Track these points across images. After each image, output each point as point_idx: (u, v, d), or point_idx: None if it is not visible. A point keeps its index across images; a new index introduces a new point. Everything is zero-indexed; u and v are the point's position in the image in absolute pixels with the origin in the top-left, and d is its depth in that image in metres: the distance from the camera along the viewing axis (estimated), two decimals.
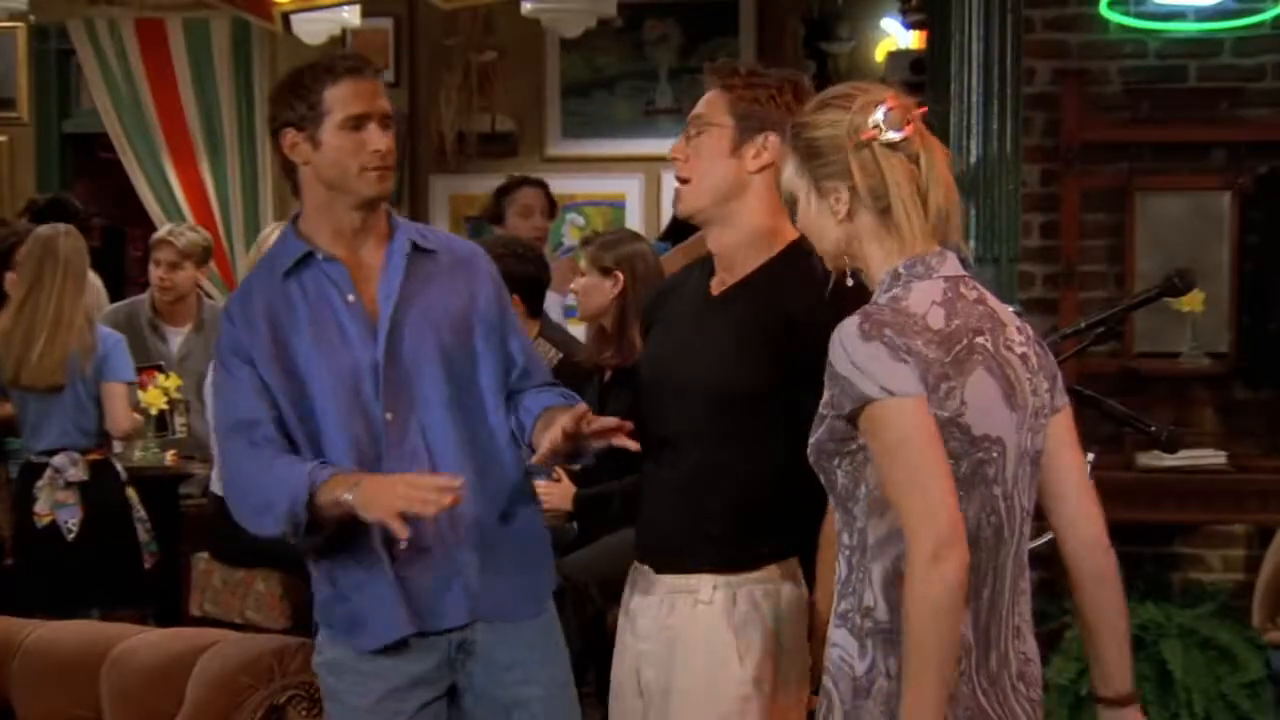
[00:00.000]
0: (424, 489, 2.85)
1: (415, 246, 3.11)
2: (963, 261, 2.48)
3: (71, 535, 5.38)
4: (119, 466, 5.57)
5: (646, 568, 3.03)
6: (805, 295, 2.76)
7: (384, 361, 3.02)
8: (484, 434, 3.11)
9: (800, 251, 2.77)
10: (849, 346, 2.33)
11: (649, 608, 3.01)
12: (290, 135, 3.05)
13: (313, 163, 3.06)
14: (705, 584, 2.92)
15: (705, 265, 3.11)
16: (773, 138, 2.92)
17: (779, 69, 3.06)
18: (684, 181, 3.01)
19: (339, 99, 3.01)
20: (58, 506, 5.40)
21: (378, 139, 3.02)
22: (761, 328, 2.89)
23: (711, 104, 2.99)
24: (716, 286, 3.04)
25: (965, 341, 2.38)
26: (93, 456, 5.46)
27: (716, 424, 2.93)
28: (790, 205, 2.55)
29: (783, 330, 2.87)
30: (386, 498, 2.85)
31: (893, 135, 2.39)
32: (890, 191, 2.40)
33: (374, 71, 3.09)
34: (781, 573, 2.94)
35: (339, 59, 3.08)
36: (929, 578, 2.25)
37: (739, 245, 2.98)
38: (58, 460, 5.40)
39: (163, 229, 6.53)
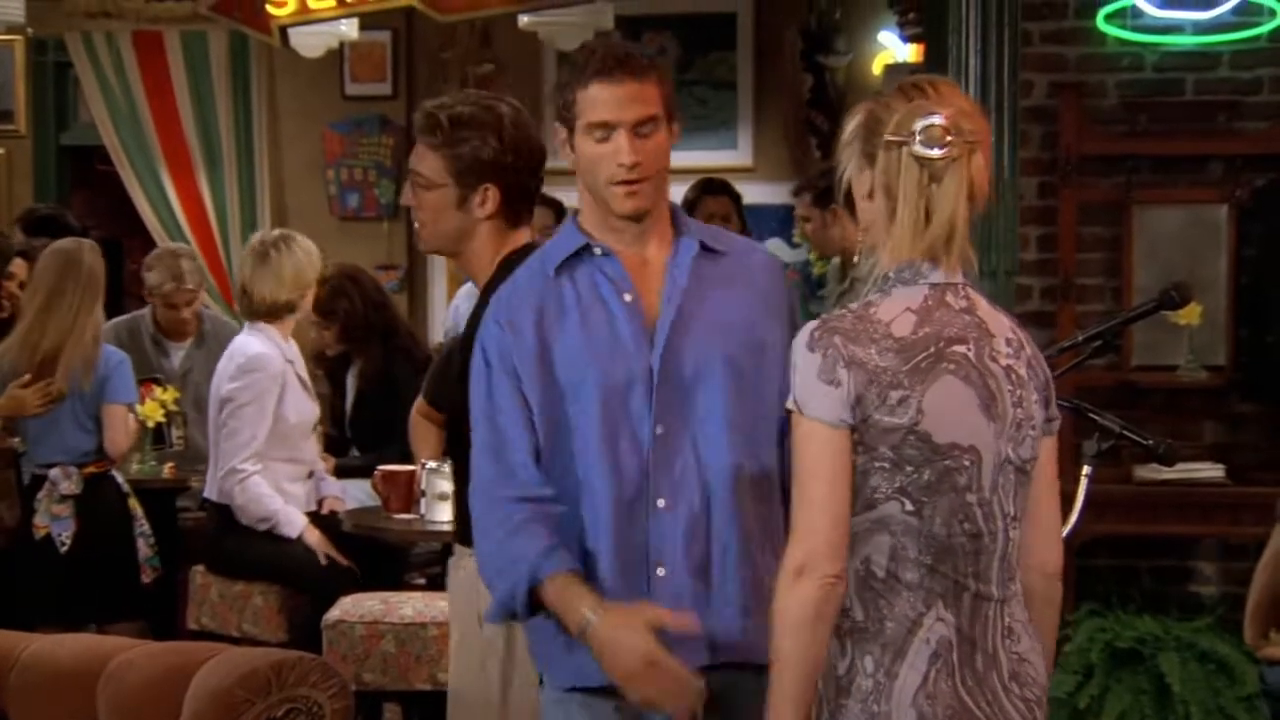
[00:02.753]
0: (675, 685, 2.63)
1: (704, 247, 2.88)
2: (967, 273, 2.49)
3: (64, 548, 5.38)
4: (120, 480, 5.56)
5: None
6: None
7: (659, 368, 2.79)
8: (765, 464, 2.83)
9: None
10: (796, 351, 2.42)
11: None
12: (560, 132, 2.87)
13: (576, 167, 2.86)
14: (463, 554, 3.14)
15: None
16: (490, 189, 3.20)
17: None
18: None
19: (587, 103, 2.80)
20: (53, 520, 5.40)
21: (624, 151, 2.79)
22: None
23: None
24: None
25: (932, 349, 2.40)
26: (90, 470, 5.45)
27: None
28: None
29: None
30: (627, 660, 2.63)
31: (921, 149, 2.40)
32: (898, 199, 2.42)
33: (633, 71, 2.80)
34: None
35: (596, 55, 2.82)
36: (789, 591, 2.37)
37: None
38: (53, 473, 5.40)
39: (165, 280, 6.36)
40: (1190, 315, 5.16)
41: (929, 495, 2.40)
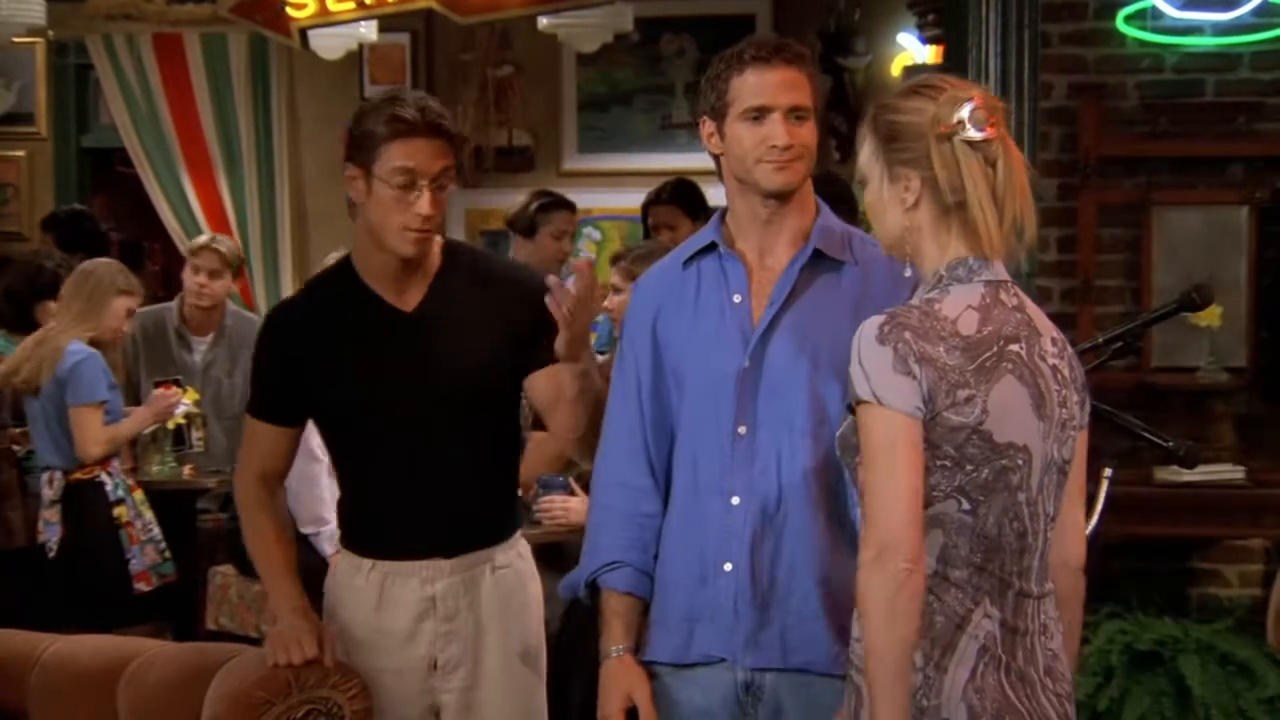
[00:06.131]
0: None
1: (820, 255, 2.89)
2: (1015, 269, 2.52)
3: (52, 554, 5.36)
4: (110, 487, 5.48)
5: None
6: None
7: (746, 371, 2.84)
8: (840, 478, 2.83)
9: None
10: (863, 345, 2.40)
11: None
12: (707, 125, 2.92)
13: (725, 154, 2.90)
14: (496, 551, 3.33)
15: None
16: None
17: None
18: None
19: (743, 89, 2.85)
20: (45, 525, 5.39)
21: (778, 133, 2.84)
22: None
23: None
24: None
25: (995, 349, 2.41)
26: (75, 476, 5.41)
27: None
28: (860, 186, 2.57)
29: None
30: (609, 704, 2.90)
31: (974, 134, 2.42)
32: (967, 189, 2.42)
33: (789, 59, 2.87)
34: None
35: (751, 43, 2.88)
36: (866, 580, 2.34)
37: None
38: (43, 478, 5.41)
39: (202, 236, 6.64)
40: (1211, 317, 5.15)
41: (985, 494, 2.41)
